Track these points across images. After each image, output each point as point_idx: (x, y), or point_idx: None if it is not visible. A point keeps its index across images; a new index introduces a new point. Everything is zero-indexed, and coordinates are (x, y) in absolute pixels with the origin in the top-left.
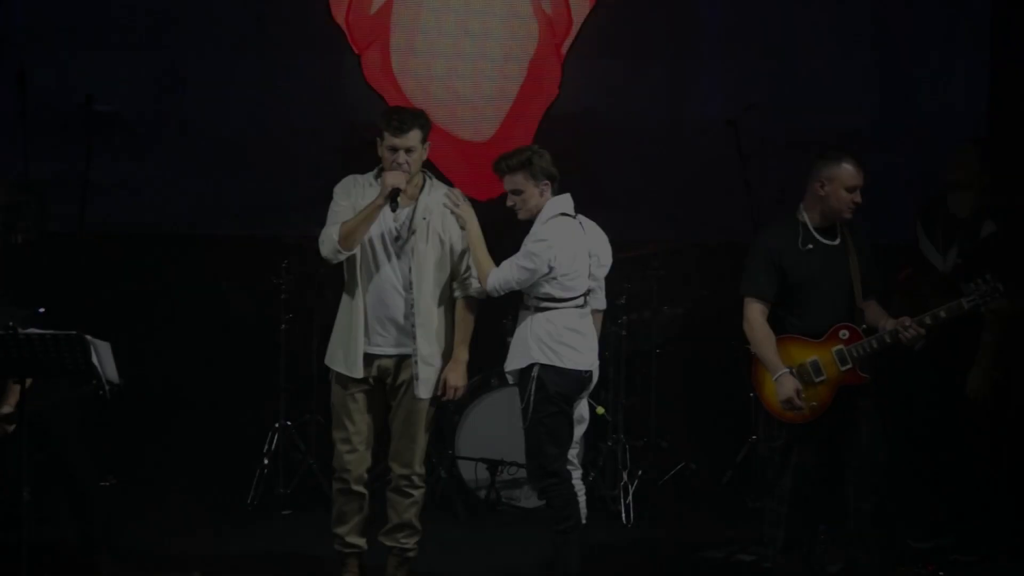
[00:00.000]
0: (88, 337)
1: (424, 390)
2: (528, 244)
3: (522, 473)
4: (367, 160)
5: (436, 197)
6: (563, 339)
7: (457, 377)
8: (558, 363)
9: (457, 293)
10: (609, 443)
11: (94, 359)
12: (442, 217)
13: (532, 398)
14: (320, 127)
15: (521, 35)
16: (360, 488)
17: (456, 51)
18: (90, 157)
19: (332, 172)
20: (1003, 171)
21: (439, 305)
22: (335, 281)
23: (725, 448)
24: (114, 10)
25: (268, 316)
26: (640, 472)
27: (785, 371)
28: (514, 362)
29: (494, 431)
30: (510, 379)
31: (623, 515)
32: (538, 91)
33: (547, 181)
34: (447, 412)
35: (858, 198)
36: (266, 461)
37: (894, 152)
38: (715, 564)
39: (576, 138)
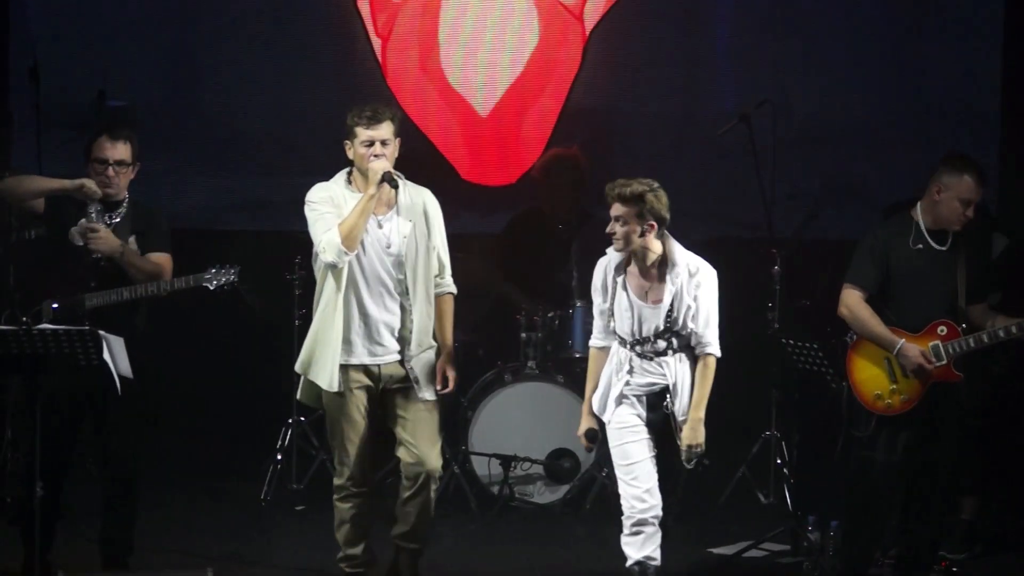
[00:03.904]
0: (101, 332)
1: (429, 392)
2: (710, 286)
3: (535, 469)
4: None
5: (414, 197)
6: None
7: (452, 368)
8: None
9: (437, 291)
10: None
11: (106, 354)
12: (424, 216)
13: None
14: (333, 122)
15: (529, 22)
16: (367, 497)
17: (474, 35)
18: None
19: (345, 167)
20: (1015, 168)
21: (428, 307)
22: None
23: (739, 444)
24: (127, 5)
25: (281, 311)
26: None
27: (903, 342)
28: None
29: (507, 427)
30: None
31: None
32: (550, 71)
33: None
34: (460, 407)
35: (971, 213)
36: (279, 457)
37: (906, 148)
38: (728, 560)
39: (590, 133)
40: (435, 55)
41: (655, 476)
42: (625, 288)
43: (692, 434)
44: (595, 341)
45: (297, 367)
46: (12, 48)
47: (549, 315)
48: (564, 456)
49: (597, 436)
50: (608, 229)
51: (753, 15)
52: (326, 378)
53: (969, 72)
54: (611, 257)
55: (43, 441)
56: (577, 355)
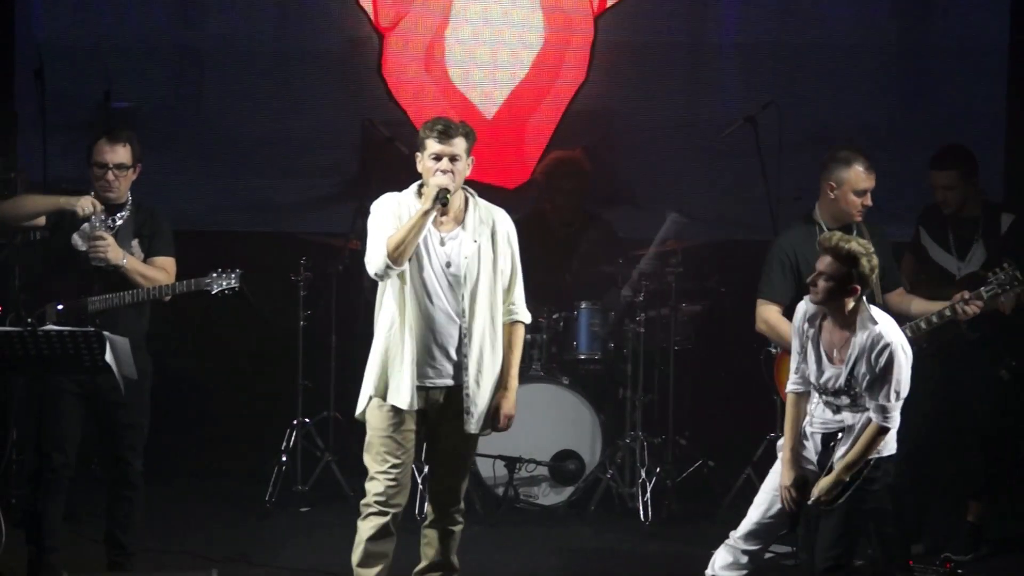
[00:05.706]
0: (106, 333)
1: (476, 425)
2: (895, 362)
3: (540, 470)
4: (384, 158)
5: (484, 216)
6: None
7: (511, 406)
8: None
9: (506, 318)
10: (627, 440)
11: (108, 356)
12: (491, 238)
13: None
14: (338, 124)
15: (534, 23)
16: (394, 528)
17: (480, 36)
18: None
19: (350, 169)
20: (1019, 172)
21: (492, 332)
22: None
23: (743, 446)
24: (132, 7)
25: (286, 313)
26: (658, 470)
27: None
28: None
29: (512, 428)
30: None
31: (640, 513)
32: (555, 75)
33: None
34: None
35: (868, 201)
36: (284, 458)
37: (911, 150)
38: None
39: (596, 135)
40: (440, 55)
41: (772, 516)
42: (817, 342)
43: (824, 487)
44: (790, 386)
45: (371, 392)
46: (17, 49)
47: (554, 317)
48: (569, 458)
49: (806, 485)
50: (808, 279)
51: (759, 16)
52: (404, 398)
53: (975, 74)
54: (809, 305)
55: (46, 442)
56: (582, 357)
